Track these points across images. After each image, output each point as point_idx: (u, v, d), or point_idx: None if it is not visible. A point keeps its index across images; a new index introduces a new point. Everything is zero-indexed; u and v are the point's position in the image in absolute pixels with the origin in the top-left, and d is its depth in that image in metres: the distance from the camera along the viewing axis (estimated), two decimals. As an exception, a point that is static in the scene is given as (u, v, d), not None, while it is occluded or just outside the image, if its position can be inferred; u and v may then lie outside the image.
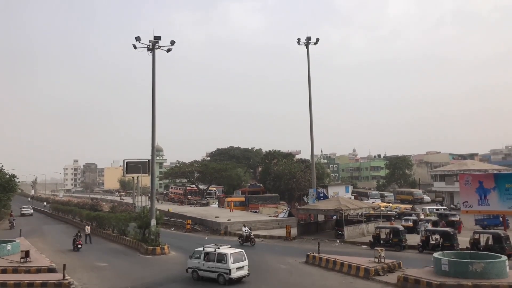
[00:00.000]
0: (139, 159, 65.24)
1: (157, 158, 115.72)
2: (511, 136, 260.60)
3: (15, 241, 31.20)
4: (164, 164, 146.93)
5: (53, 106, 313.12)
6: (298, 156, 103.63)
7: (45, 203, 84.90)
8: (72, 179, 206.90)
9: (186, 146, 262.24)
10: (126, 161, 64.68)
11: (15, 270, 24.59)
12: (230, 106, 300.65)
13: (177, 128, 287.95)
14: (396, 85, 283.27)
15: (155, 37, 35.45)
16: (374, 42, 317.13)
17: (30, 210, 72.37)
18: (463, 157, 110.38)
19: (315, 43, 48.31)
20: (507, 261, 20.96)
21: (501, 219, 39.78)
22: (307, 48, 48.64)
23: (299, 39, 48.15)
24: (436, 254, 22.44)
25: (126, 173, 65.73)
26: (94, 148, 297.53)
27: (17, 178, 47.63)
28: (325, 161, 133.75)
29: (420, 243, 31.08)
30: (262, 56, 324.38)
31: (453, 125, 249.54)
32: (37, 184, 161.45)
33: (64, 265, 22.53)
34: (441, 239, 30.22)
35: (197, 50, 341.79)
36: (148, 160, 58.76)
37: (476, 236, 29.44)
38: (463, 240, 30.30)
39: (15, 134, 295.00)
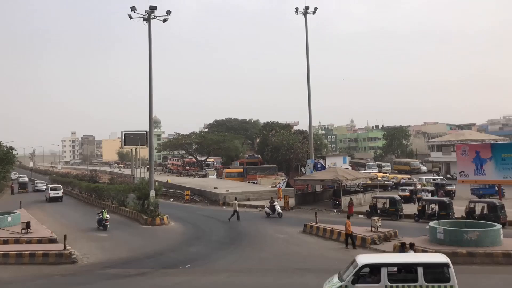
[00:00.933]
0: (137, 131, 65.13)
1: (155, 130, 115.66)
2: (508, 106, 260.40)
3: (16, 212, 31.49)
4: (162, 136, 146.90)
5: (48, 78, 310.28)
6: (296, 127, 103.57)
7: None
8: (70, 151, 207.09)
9: (184, 118, 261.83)
10: (124, 133, 64.58)
11: (17, 241, 24.89)
12: (227, 76, 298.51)
13: (175, 100, 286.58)
14: (394, 53, 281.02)
15: (150, 7, 34.88)
16: (373, 9, 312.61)
17: (43, 186, 62.83)
18: (461, 127, 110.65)
19: (313, 12, 47.50)
20: (501, 230, 21.30)
21: (496, 188, 40.19)
22: (305, 17, 47.84)
23: (297, 9, 47.37)
24: (431, 223, 22.77)
25: (124, 145, 65.79)
26: (92, 120, 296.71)
27: (15, 151, 47.67)
28: (323, 132, 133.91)
29: (417, 213, 31.42)
30: (258, 24, 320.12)
31: (452, 95, 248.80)
32: (36, 156, 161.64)
33: (65, 235, 22.79)
34: (437, 209, 30.58)
35: (191, 18, 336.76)
36: (146, 132, 58.72)
37: (472, 205, 29.76)
38: (459, 209, 30.65)
39: (12, 107, 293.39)
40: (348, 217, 24.46)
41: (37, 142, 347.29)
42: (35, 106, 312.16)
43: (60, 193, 52.50)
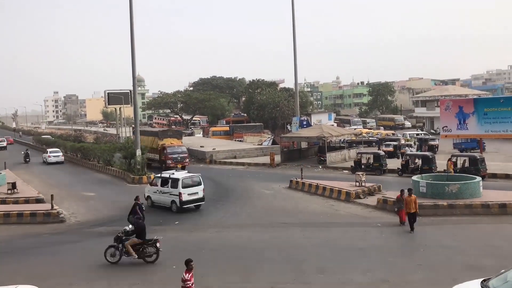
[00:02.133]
0: (120, 90, 64.19)
1: (139, 88, 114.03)
2: (492, 61, 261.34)
3: (1, 173, 31.22)
4: (147, 94, 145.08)
5: (30, 37, 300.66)
6: (281, 85, 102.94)
7: None
8: (53, 111, 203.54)
9: (168, 77, 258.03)
10: (107, 91, 63.54)
11: (3, 202, 24.82)
12: (213, 35, 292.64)
13: (158, 58, 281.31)
14: (381, 10, 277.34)
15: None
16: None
17: (4, 143, 67.80)
18: (445, 82, 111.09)
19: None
20: (481, 182, 21.87)
21: (477, 142, 40.96)
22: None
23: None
24: (414, 177, 23.25)
25: (108, 104, 64.86)
26: (74, 79, 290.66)
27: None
28: (309, 89, 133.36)
29: (400, 167, 31.95)
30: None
31: (437, 50, 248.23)
32: (18, 116, 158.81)
33: (52, 195, 22.84)
34: (421, 163, 31.12)
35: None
36: (130, 91, 57.92)
37: (454, 159, 30.38)
38: (442, 163, 31.25)
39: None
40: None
41: (18, 102, 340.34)
42: (15, 66, 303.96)
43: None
